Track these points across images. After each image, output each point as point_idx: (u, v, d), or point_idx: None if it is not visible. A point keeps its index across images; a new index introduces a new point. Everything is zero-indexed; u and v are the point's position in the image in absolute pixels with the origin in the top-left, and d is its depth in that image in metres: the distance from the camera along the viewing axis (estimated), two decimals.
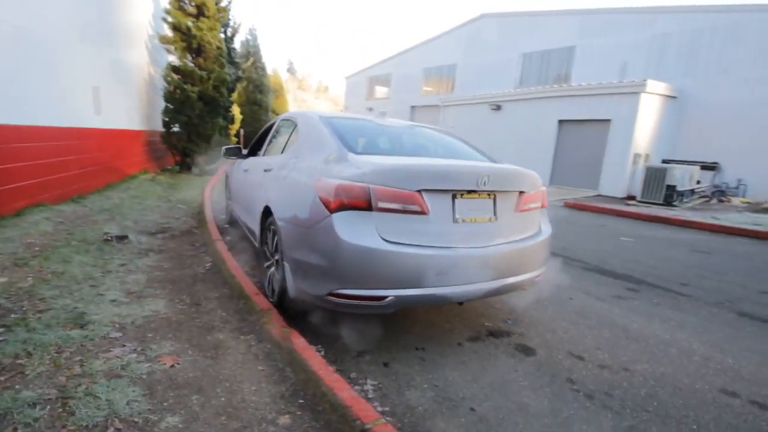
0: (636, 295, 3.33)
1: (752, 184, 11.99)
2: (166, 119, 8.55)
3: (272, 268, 2.66)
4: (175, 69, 8.52)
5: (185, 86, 8.38)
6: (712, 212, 8.52)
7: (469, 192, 2.13)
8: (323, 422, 1.55)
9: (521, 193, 2.35)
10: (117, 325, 2.16)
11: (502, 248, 2.20)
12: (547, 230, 2.56)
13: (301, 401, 1.67)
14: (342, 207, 1.93)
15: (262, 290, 2.71)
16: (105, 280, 2.79)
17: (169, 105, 8.47)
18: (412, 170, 2.05)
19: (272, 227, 2.56)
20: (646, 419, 1.72)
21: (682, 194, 9.91)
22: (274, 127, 3.54)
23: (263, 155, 3.50)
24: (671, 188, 9.75)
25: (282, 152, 3.00)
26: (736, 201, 11.15)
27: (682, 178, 9.94)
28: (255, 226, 3.08)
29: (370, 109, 24.91)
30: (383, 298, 1.95)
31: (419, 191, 1.99)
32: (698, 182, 11.11)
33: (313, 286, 2.06)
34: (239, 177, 4.00)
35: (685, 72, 13.50)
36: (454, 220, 2.09)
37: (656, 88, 12.29)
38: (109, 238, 3.77)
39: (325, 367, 1.80)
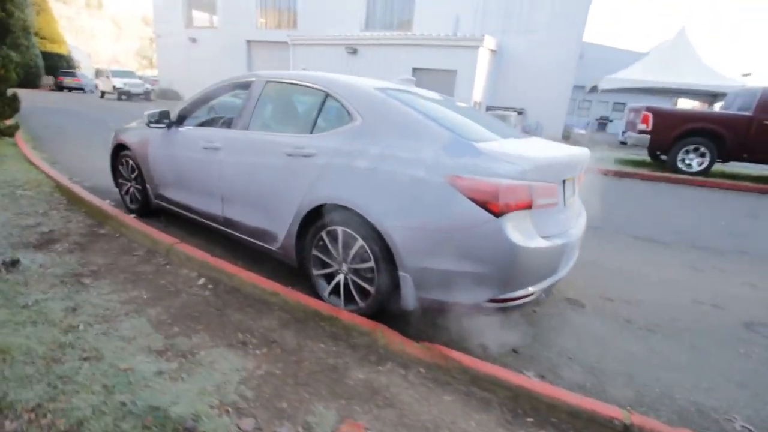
0: None
1: (546, 125, 15.57)
2: None
3: (339, 276, 2.25)
4: None
5: None
6: None
7: (570, 176, 2.24)
8: None
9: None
10: (217, 408, 1.51)
11: (582, 226, 2.43)
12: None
13: (530, 419, 1.62)
14: (508, 209, 1.77)
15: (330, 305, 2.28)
16: (87, 341, 1.81)
17: None
18: (558, 162, 2.00)
19: (341, 232, 2.12)
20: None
21: None
22: (258, 92, 2.70)
23: (247, 129, 2.68)
24: None
25: (311, 131, 2.38)
26: None
27: (512, 122, 12.27)
28: (278, 226, 2.45)
29: (193, 40, 20.84)
30: (532, 293, 1.96)
31: (557, 182, 2.00)
32: (515, 126, 13.93)
33: (461, 295, 1.88)
34: (190, 155, 2.97)
35: (503, 29, 15.83)
36: (565, 205, 2.19)
37: (489, 43, 14.18)
38: None
39: (515, 374, 1.77)
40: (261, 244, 2.65)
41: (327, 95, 2.37)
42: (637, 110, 8.95)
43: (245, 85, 2.88)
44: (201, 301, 2.32)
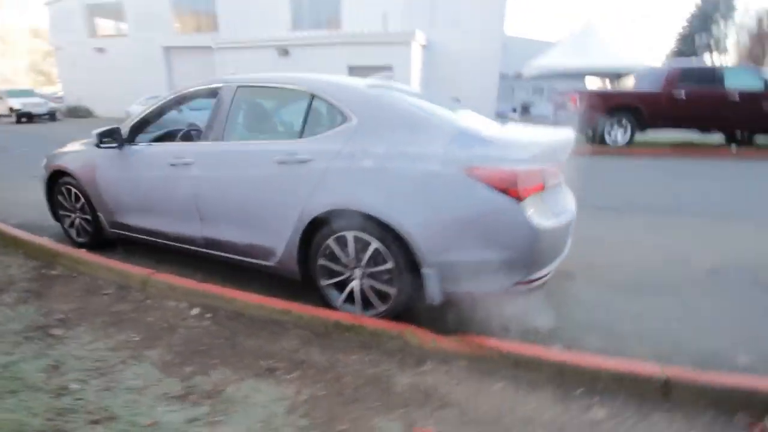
0: None
1: (479, 112, 16.23)
2: None
3: (352, 283, 2.17)
4: None
5: None
6: None
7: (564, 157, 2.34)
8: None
9: None
10: None
11: (573, 201, 2.56)
12: None
13: (580, 390, 1.67)
14: (527, 193, 1.80)
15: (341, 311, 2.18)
16: (90, 401, 1.54)
17: None
18: (557, 145, 2.07)
19: (352, 237, 2.04)
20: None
21: None
22: (228, 99, 2.47)
23: (221, 140, 2.46)
24: None
25: (301, 136, 2.25)
26: None
27: None
28: (275, 240, 2.30)
29: (101, 50, 18.93)
30: (549, 271, 2.04)
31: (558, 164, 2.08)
32: None
33: (489, 283, 1.89)
34: (154, 174, 2.67)
35: (430, 24, 16.29)
36: (559, 185, 2.29)
37: (420, 38, 14.52)
38: None
39: (553, 350, 1.83)
40: (254, 261, 2.47)
41: (313, 96, 2.25)
42: (564, 93, 9.70)
43: (211, 93, 2.64)
44: (203, 332, 2.10)
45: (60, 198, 3.33)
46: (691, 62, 8.80)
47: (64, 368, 1.80)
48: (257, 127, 2.62)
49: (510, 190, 1.78)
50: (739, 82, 8.32)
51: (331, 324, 2.07)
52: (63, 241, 3.33)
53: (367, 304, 2.17)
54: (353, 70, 14.37)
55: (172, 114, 3.13)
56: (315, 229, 2.17)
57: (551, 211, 1.96)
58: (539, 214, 1.85)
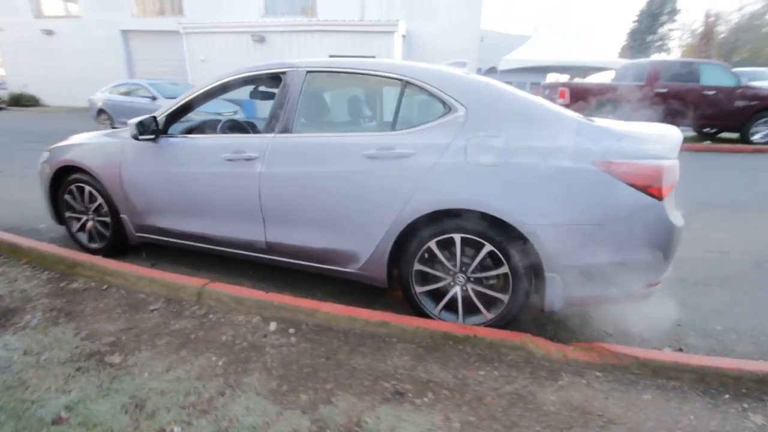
0: None
1: None
2: None
3: (454, 289, 1.99)
4: None
5: None
6: None
7: None
8: None
9: None
10: None
11: None
12: None
13: (727, 396, 1.59)
14: (667, 191, 1.69)
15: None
16: None
17: None
18: (677, 140, 1.97)
19: (460, 239, 1.86)
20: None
21: None
22: (297, 85, 2.17)
23: (290, 132, 2.17)
24: None
25: (394, 128, 2.01)
26: None
27: None
28: (361, 244, 2.07)
29: (49, 32, 17.22)
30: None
31: None
32: None
33: (619, 286, 1.77)
34: (205, 171, 2.33)
35: (408, 15, 16.05)
36: None
37: (401, 28, 14.28)
38: None
39: (694, 356, 1.75)
40: (329, 267, 2.22)
41: (406, 84, 2.02)
42: (552, 87, 9.87)
43: (271, 78, 2.34)
44: (297, 352, 1.84)
45: (68, 198, 2.87)
46: (669, 59, 9.17)
47: (149, 406, 1.49)
48: (335, 118, 2.35)
49: (653, 187, 1.66)
50: (713, 79, 8.80)
51: (439, 336, 1.89)
52: (68, 246, 2.90)
53: (469, 312, 2.00)
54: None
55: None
56: (413, 230, 1.97)
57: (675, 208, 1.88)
58: (672, 212, 1.76)
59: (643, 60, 9.60)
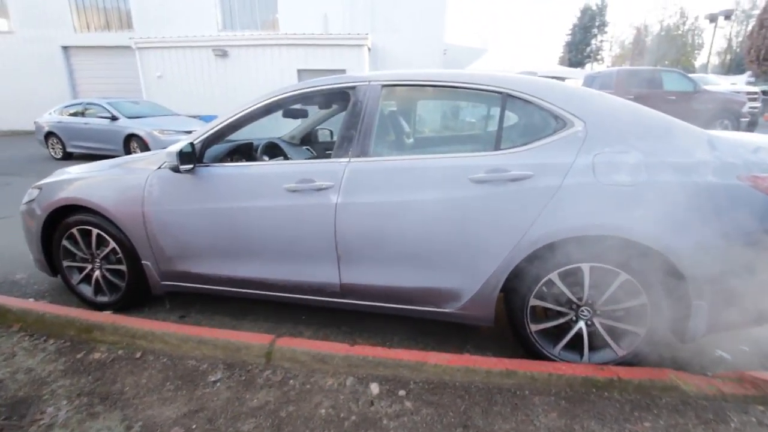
0: None
1: None
2: None
3: (578, 324, 1.77)
4: None
5: None
6: None
7: None
8: None
9: None
10: None
11: None
12: None
13: None
14: None
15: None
16: None
17: None
18: None
19: (588, 269, 1.66)
20: None
21: None
22: (373, 102, 1.87)
23: (367, 155, 1.86)
24: None
25: (498, 147, 1.77)
26: None
27: None
28: (465, 280, 1.80)
29: None
30: None
31: None
32: None
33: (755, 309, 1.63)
34: (260, 204, 1.95)
35: (372, 28, 16.07)
36: None
37: (369, 41, 14.23)
38: None
39: None
40: (419, 308, 1.92)
41: (507, 97, 1.80)
42: None
43: (335, 94, 2.03)
44: (422, 422, 1.52)
45: (67, 244, 2.36)
46: (633, 67, 9.75)
47: None
48: (421, 138, 2.06)
49: None
50: (674, 84, 9.44)
51: (578, 383, 1.64)
52: (65, 301, 2.38)
53: (592, 348, 1.78)
54: (302, 73, 13.55)
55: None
56: (529, 261, 1.73)
57: None
58: None
59: (610, 69, 10.11)
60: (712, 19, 19.44)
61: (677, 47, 41.42)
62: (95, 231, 2.27)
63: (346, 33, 13.79)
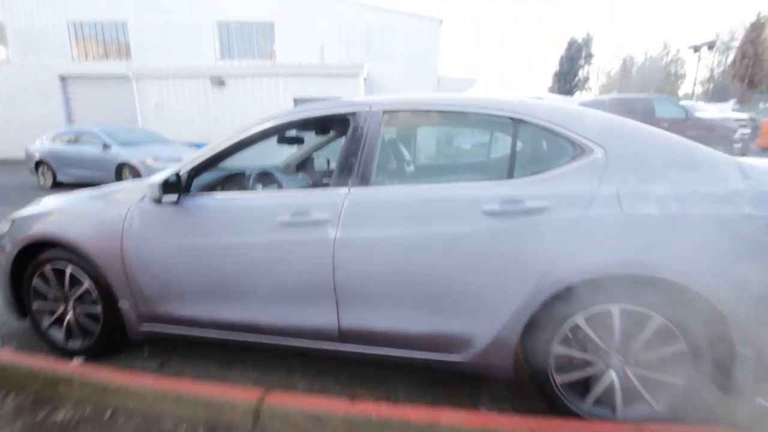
0: None
1: None
2: None
3: (608, 374, 1.57)
4: None
5: None
6: None
7: None
8: None
9: None
10: None
11: None
12: None
13: None
14: None
15: None
16: None
17: None
18: None
19: (619, 312, 1.48)
20: None
21: None
22: (375, 128, 1.74)
23: (367, 184, 1.71)
24: None
25: (510, 175, 1.62)
26: None
27: None
28: (478, 325, 1.61)
29: None
30: None
31: None
32: None
33: None
34: (250, 240, 1.76)
35: (367, 58, 16.41)
36: None
37: (365, 71, 14.48)
38: None
39: None
40: (425, 357, 1.72)
41: (519, 122, 1.67)
42: None
43: (333, 121, 1.90)
44: None
45: (38, 282, 2.14)
46: (625, 95, 9.92)
47: None
48: (426, 166, 1.93)
49: None
50: (666, 111, 9.56)
51: None
52: (33, 349, 2.14)
53: (629, 402, 1.57)
54: (299, 102, 13.65)
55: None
56: (551, 303, 1.55)
57: None
58: None
59: (601, 97, 10.28)
60: (696, 49, 20.13)
61: (661, 77, 43.00)
62: (69, 270, 2.07)
63: (342, 63, 14.02)
